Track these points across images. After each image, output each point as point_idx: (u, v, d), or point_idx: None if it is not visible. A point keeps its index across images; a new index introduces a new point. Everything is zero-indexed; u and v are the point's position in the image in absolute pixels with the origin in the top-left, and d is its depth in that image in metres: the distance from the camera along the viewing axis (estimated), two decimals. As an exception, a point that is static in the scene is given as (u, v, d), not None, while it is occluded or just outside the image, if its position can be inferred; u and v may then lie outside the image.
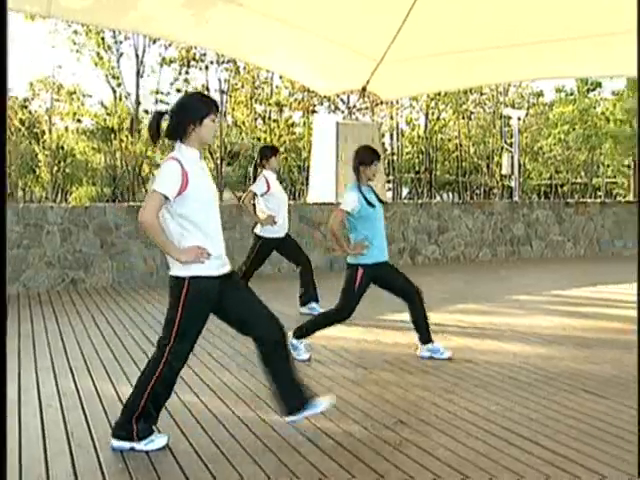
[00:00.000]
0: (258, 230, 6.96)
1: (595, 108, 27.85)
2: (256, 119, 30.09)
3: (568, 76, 20.22)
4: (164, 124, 3.40)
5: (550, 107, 31.83)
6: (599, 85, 30.48)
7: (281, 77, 27.49)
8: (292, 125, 31.03)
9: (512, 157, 21.41)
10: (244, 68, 28.50)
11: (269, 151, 7.06)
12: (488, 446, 3.45)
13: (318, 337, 5.67)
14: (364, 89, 10.74)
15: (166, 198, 3.21)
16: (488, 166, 31.64)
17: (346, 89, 12.52)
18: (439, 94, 28.22)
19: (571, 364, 5.14)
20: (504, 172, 24.12)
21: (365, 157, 5.05)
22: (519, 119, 22.36)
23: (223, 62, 28.39)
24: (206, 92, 29.16)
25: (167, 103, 30.08)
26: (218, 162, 29.60)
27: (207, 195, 3.35)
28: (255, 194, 6.84)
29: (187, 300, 3.32)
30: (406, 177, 33.65)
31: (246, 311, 3.55)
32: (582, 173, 33.30)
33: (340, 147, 12.32)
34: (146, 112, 29.74)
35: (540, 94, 33.63)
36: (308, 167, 16.49)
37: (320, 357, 5.31)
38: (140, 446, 3.35)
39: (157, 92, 28.47)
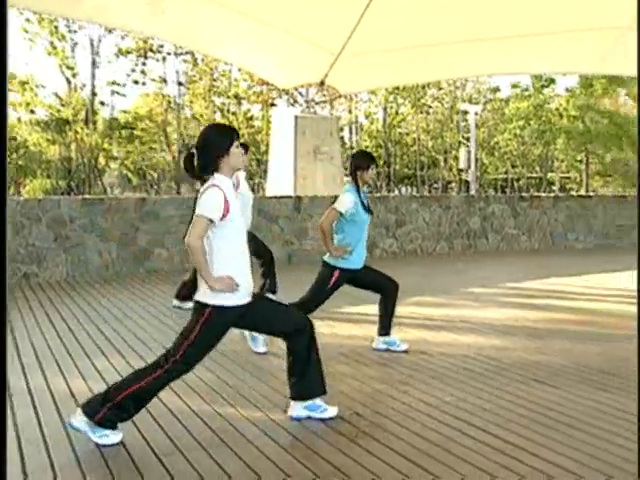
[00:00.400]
0: None
1: (549, 104, 28.38)
2: (215, 112, 29.83)
3: (523, 72, 20.55)
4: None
5: (506, 102, 32.30)
6: (553, 82, 31.04)
7: (240, 70, 27.29)
8: (251, 118, 30.88)
9: (469, 151, 21.71)
10: (202, 60, 28.21)
11: (243, 148, 6.97)
12: (442, 436, 3.51)
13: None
14: (322, 82, 10.75)
15: (211, 221, 3.31)
16: (446, 160, 32.00)
17: (304, 82, 12.49)
18: (397, 88, 28.39)
19: (523, 355, 5.24)
20: (461, 166, 24.42)
21: (361, 162, 5.07)
22: (476, 114, 22.66)
23: (181, 54, 28.05)
24: (164, 84, 28.83)
25: (123, 94, 29.64)
26: (176, 155, 29.28)
27: (241, 224, 3.49)
28: None
29: (206, 327, 3.40)
30: (365, 171, 33.73)
31: (268, 319, 3.67)
32: (537, 168, 33.91)
33: (298, 140, 12.31)
34: (102, 103, 29.26)
35: (497, 90, 34.09)
36: (267, 161, 16.44)
37: (277, 350, 5.29)
38: (94, 437, 3.32)
39: (113, 83, 27.98)
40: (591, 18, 8.35)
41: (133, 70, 27.69)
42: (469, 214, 13.00)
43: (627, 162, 26.64)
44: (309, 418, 3.71)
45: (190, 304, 6.90)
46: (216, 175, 3.42)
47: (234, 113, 29.54)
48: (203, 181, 3.53)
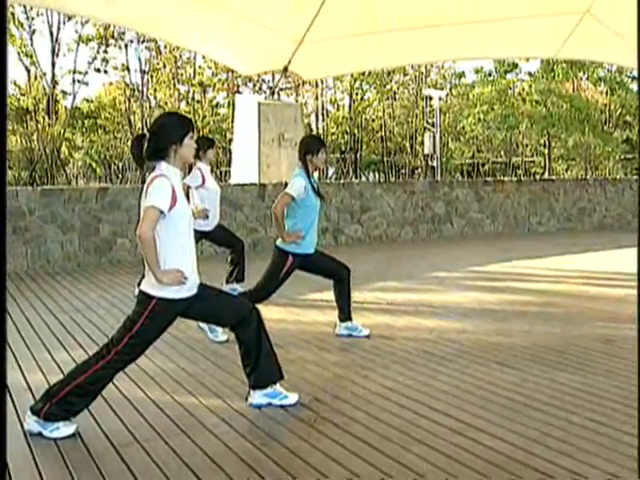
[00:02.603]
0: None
1: (512, 89, 28.60)
2: (180, 100, 29.49)
3: (486, 57, 20.68)
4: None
5: (472, 88, 32.48)
6: (516, 67, 31.26)
7: (204, 57, 27.00)
8: (216, 106, 30.59)
9: (434, 137, 21.81)
10: (165, 47, 27.82)
11: (206, 143, 6.89)
12: (401, 419, 3.54)
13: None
14: (286, 69, 10.67)
15: (161, 212, 3.24)
16: (412, 146, 32.09)
17: (267, 69, 12.39)
18: (363, 74, 28.35)
19: (484, 337, 5.31)
20: (426, 152, 24.54)
21: (311, 145, 5.06)
22: (440, 99, 22.75)
23: (144, 41, 27.58)
24: (127, 72, 28.40)
25: (86, 83, 29.13)
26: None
27: (188, 215, 3.46)
28: (189, 187, 6.68)
29: (150, 318, 3.37)
30: (332, 157, 33.77)
31: (213, 309, 3.67)
32: (502, 152, 34.19)
33: (262, 128, 12.23)
34: (64, 92, 28.72)
35: (462, 75, 34.24)
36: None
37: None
38: (47, 432, 3.28)
39: (74, 72, 27.47)
40: (551, 3, 8.43)
41: (94, 58, 27.20)
42: (433, 199, 13.08)
43: (589, 146, 27.03)
44: (269, 405, 3.71)
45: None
46: (163, 164, 3.35)
47: (199, 101, 29.22)
48: (145, 169, 3.48)
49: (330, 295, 5.43)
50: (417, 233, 12.84)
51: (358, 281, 7.50)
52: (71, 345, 5.15)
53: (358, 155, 33.51)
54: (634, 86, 30.30)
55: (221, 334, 5.19)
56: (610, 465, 2.95)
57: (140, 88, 29.48)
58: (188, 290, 3.43)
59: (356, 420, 3.53)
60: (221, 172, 30.46)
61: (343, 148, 33.10)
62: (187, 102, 29.30)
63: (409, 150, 32.67)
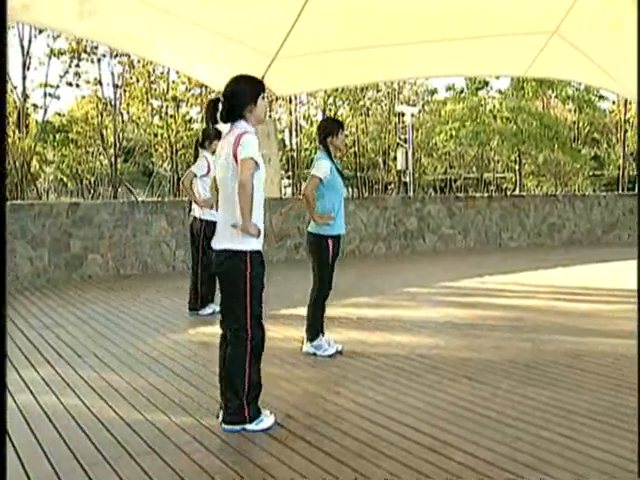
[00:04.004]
0: (198, 213, 6.73)
1: (483, 106, 29.01)
2: (153, 114, 29.37)
3: (458, 74, 20.96)
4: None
5: (444, 104, 32.84)
6: (486, 84, 31.78)
7: (177, 72, 26.95)
8: (189, 121, 30.50)
9: (406, 153, 21.97)
10: (139, 62, 27.71)
11: (214, 133, 6.85)
12: (372, 436, 3.53)
13: (208, 334, 5.66)
14: (259, 85, 10.74)
15: (257, 165, 3.46)
16: (385, 162, 32.31)
17: (241, 85, 12.42)
18: (336, 90, 28.54)
19: (454, 352, 5.34)
20: (399, 167, 24.71)
21: (331, 127, 5.18)
22: (413, 115, 22.96)
23: (116, 55, 27.47)
24: (99, 86, 28.22)
25: (57, 97, 28.86)
26: (112, 159, 28.69)
27: (264, 171, 3.63)
28: (195, 175, 6.64)
29: (253, 269, 3.54)
30: (305, 173, 33.88)
31: None
32: (474, 168, 34.58)
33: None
34: (34, 106, 28.44)
35: (434, 92, 34.66)
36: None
37: (210, 355, 5.25)
38: (252, 426, 3.55)
39: (46, 85, 27.24)
40: (520, 23, 8.58)
41: (66, 72, 27.01)
42: (406, 215, 13.17)
43: (558, 162, 27.45)
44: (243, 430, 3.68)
45: (208, 310, 6.78)
46: (242, 122, 3.55)
47: (172, 116, 29.12)
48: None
49: (302, 311, 5.43)
50: (390, 249, 12.90)
51: (330, 296, 7.51)
52: (39, 362, 5.07)
53: (331, 170, 33.59)
54: (601, 104, 30.88)
55: (330, 347, 5.18)
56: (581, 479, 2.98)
57: (113, 102, 29.31)
58: (260, 244, 3.60)
59: (328, 437, 3.52)
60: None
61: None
62: (160, 117, 29.18)
63: (382, 166, 32.89)
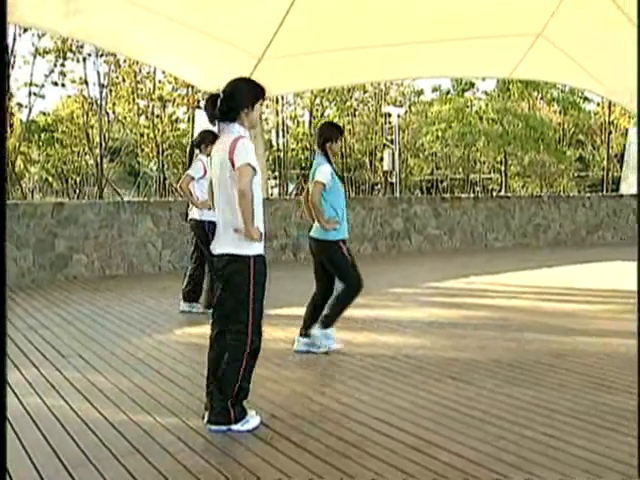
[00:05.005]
0: (197, 215, 6.72)
1: (469, 107, 29.18)
2: (139, 114, 29.24)
3: (444, 75, 21.05)
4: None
5: (430, 105, 32.98)
6: (473, 85, 31.96)
7: (164, 72, 26.85)
8: (176, 121, 30.41)
9: (393, 153, 22.05)
10: (125, 61, 27.59)
11: (211, 136, 6.86)
12: (357, 436, 3.54)
13: (194, 335, 5.65)
14: (245, 85, 10.71)
15: (254, 170, 3.49)
16: (371, 162, 32.39)
17: (227, 85, 12.39)
18: (323, 91, 28.58)
19: (440, 353, 5.36)
20: (386, 168, 24.80)
21: (331, 133, 5.21)
22: (399, 116, 23.05)
23: (102, 55, 27.35)
24: (85, 85, 28.07)
25: (42, 96, 28.70)
26: (98, 159, 28.54)
27: (260, 173, 3.66)
28: (192, 178, 6.63)
29: (257, 275, 3.57)
30: (292, 173, 33.87)
31: None
32: (460, 169, 34.75)
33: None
34: (19, 105, 28.24)
35: (421, 93, 34.79)
36: (191, 163, 16.21)
37: (196, 356, 5.24)
38: (237, 427, 3.55)
39: (31, 84, 27.06)
40: (506, 25, 8.64)
41: (52, 71, 26.85)
42: (392, 215, 13.20)
43: (544, 163, 27.65)
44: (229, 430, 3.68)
45: (199, 306, 6.81)
46: (236, 125, 3.57)
47: (158, 116, 29.03)
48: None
49: (289, 311, 5.44)
50: (376, 249, 12.93)
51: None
52: (24, 364, 5.02)
53: (318, 171, 33.60)
54: (586, 106, 31.10)
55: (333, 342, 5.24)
56: (565, 479, 3.00)
57: (99, 102, 29.15)
58: (262, 247, 3.65)
59: (313, 437, 3.52)
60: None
61: (303, 164, 33.21)
62: (147, 117, 29.08)
63: (369, 166, 32.97)
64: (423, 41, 9.43)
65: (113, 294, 8.28)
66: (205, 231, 6.63)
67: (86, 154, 30.77)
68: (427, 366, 4.93)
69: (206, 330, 5.22)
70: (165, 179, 30.26)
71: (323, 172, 5.04)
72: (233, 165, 3.50)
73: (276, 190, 31.78)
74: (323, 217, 5.04)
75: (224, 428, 3.57)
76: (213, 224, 6.65)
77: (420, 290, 8.70)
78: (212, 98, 3.65)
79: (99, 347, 5.48)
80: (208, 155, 6.79)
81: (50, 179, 35.13)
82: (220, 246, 3.64)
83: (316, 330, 5.22)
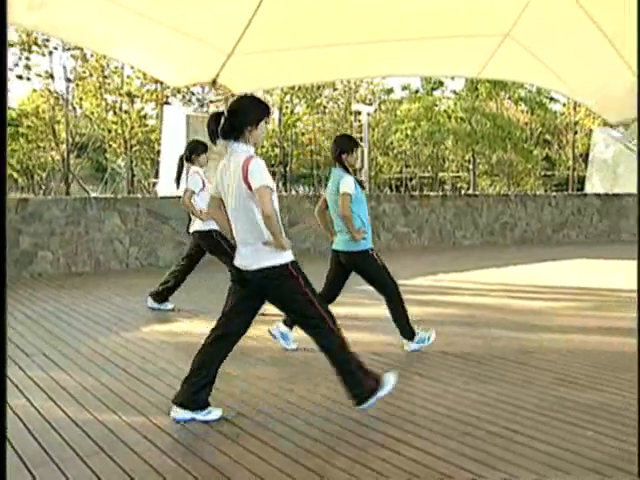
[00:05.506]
0: (203, 227, 6.61)
1: (438, 106, 29.40)
2: (107, 110, 28.87)
3: (413, 74, 21.16)
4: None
5: (400, 104, 33.14)
6: (441, 84, 32.20)
7: (132, 67, 26.56)
8: (144, 117, 30.09)
9: (362, 151, 22.10)
10: (92, 56, 27.21)
11: (201, 147, 6.77)
12: (325, 433, 3.55)
13: (161, 332, 5.61)
14: (214, 82, 10.63)
15: (271, 190, 3.50)
16: (341, 160, 32.46)
17: (196, 82, 12.32)
18: (293, 88, 28.53)
19: (407, 349, 5.39)
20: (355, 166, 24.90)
21: (346, 145, 5.21)
22: (369, 114, 23.11)
23: (69, 48, 26.92)
24: (51, 80, 27.63)
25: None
26: (65, 155, 28.13)
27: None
28: (193, 192, 6.51)
29: (303, 277, 3.65)
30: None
31: None
32: (429, 167, 35.00)
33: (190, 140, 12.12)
34: (-17, 100, 27.67)
35: (390, 91, 34.93)
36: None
37: (163, 354, 5.21)
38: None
39: (-5, 78, 26.51)
40: (474, 25, 8.73)
41: (16, 64, 26.35)
42: (362, 213, 13.22)
43: (511, 163, 27.99)
44: (192, 420, 3.66)
45: (169, 305, 6.75)
46: (241, 145, 3.56)
47: (127, 111, 28.70)
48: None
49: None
50: (345, 246, 12.93)
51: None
52: (-14, 362, 4.94)
53: (288, 168, 33.62)
54: (553, 106, 31.53)
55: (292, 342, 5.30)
56: (528, 473, 3.04)
57: (65, 96, 28.72)
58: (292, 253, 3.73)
59: (281, 435, 3.52)
60: (148, 184, 29.95)
61: (272, 162, 33.13)
62: (115, 112, 28.73)
63: (338, 164, 33.01)
64: (393, 39, 9.47)
65: (79, 291, 8.17)
66: (214, 239, 6.61)
67: (52, 150, 30.31)
68: (394, 363, 4.96)
69: (173, 327, 5.22)
70: (133, 175, 29.96)
71: (347, 183, 5.06)
72: (249, 187, 3.50)
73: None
74: (354, 228, 5.06)
75: (188, 417, 3.64)
76: (220, 233, 6.63)
77: (388, 288, 8.72)
78: (215, 115, 3.65)
79: (64, 345, 5.40)
80: (201, 166, 6.76)
81: (15, 175, 34.53)
82: (255, 262, 3.62)
83: (409, 346, 5.32)
